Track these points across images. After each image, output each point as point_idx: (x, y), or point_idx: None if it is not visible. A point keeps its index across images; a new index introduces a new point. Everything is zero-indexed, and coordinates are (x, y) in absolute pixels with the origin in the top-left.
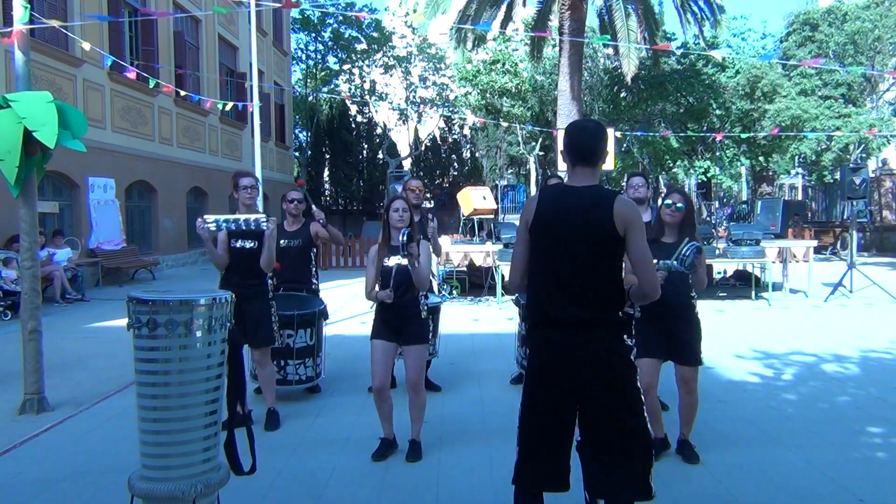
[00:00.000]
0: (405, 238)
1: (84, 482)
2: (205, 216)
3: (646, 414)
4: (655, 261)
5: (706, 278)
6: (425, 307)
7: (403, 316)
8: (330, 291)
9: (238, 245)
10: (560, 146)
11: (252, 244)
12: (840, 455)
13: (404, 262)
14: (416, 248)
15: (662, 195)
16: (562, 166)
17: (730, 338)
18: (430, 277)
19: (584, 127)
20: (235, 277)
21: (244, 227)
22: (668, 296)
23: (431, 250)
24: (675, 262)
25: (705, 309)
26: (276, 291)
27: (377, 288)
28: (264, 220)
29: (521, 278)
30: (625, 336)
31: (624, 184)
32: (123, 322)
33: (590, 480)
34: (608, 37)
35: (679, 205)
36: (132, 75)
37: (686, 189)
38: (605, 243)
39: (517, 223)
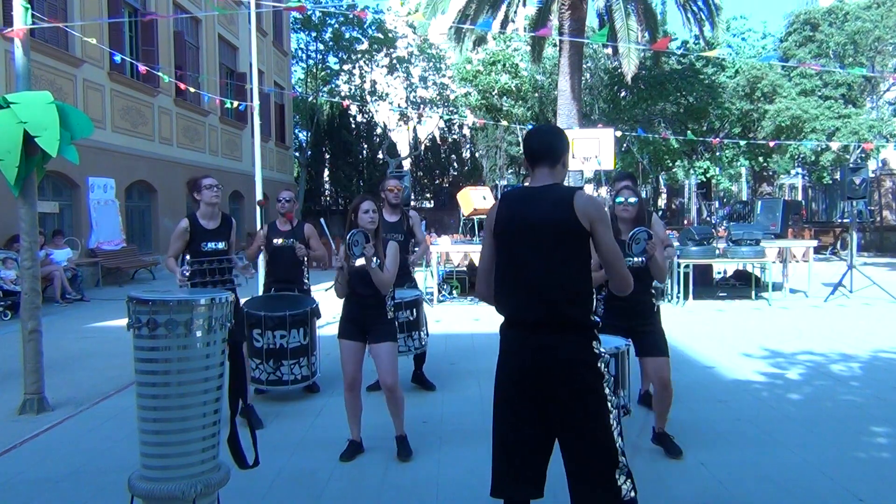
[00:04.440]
0: (356, 238)
1: (84, 482)
2: (182, 271)
3: (613, 422)
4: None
5: (666, 266)
6: (391, 308)
7: (369, 315)
8: (329, 291)
9: (210, 247)
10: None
11: (223, 244)
12: (840, 455)
13: (360, 261)
14: (371, 250)
15: (613, 195)
16: None
17: (730, 338)
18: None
19: (535, 130)
20: (209, 276)
21: (216, 266)
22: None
23: (421, 248)
24: (633, 257)
25: (705, 309)
26: (267, 291)
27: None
28: (237, 261)
29: (488, 286)
30: (594, 342)
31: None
32: (123, 322)
33: (569, 489)
34: (604, 33)
35: (631, 199)
36: (143, 69)
37: (686, 188)
38: (569, 241)
39: None
